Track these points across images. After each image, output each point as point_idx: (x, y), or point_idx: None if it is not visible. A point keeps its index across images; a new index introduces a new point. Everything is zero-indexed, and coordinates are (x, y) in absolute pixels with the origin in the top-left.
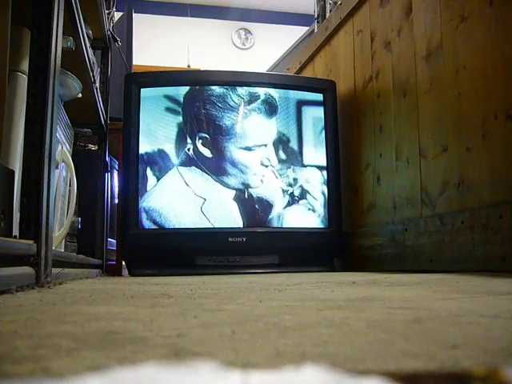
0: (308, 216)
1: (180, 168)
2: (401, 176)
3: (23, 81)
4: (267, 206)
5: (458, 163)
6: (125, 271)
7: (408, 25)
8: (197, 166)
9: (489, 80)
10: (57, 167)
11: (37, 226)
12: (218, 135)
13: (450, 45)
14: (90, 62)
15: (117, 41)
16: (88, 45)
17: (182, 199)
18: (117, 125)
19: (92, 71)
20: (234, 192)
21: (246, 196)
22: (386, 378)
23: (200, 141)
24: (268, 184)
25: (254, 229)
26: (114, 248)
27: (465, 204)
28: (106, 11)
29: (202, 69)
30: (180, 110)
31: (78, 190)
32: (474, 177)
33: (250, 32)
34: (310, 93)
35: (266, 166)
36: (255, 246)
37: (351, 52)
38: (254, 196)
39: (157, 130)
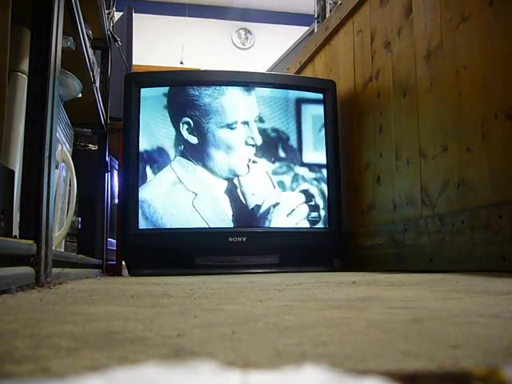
0: (306, 215)
1: (173, 164)
2: (401, 176)
3: (23, 81)
4: (260, 204)
5: (458, 163)
6: (125, 271)
7: (408, 25)
8: (187, 159)
9: (489, 80)
10: (57, 167)
11: (37, 226)
12: (199, 117)
13: (449, 45)
14: (90, 61)
15: (117, 41)
16: (88, 45)
17: (174, 195)
18: (117, 125)
19: (92, 71)
20: (224, 183)
21: (239, 192)
22: (385, 378)
23: (185, 127)
24: (258, 177)
25: (253, 229)
26: (114, 248)
27: (465, 204)
28: (106, 11)
29: (202, 69)
30: (177, 109)
31: (77, 189)
32: (474, 177)
33: (250, 32)
34: (310, 93)
35: (253, 146)
36: (255, 245)
37: (351, 52)
38: (246, 191)
39: (156, 130)
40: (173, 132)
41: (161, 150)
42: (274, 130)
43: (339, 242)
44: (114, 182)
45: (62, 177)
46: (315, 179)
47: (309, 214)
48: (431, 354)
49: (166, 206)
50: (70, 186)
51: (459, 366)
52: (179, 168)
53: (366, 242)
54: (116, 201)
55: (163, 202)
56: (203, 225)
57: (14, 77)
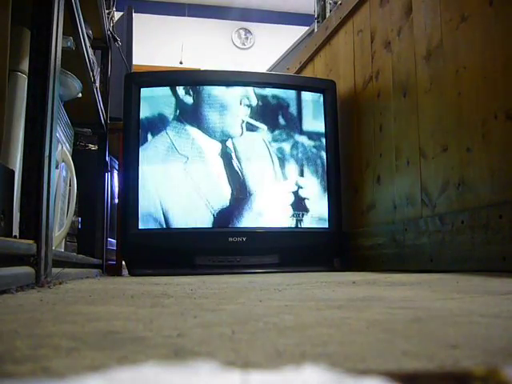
0: (303, 210)
1: (168, 129)
2: (401, 176)
3: (23, 81)
4: (255, 173)
5: (458, 163)
6: (125, 271)
7: (408, 25)
8: (181, 122)
9: (489, 80)
10: (57, 167)
11: (37, 226)
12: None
13: (450, 45)
14: (90, 61)
15: (117, 41)
16: (88, 45)
17: (166, 160)
18: (117, 125)
19: (92, 71)
20: (218, 145)
21: (234, 156)
22: (385, 378)
23: (183, 90)
24: (254, 143)
25: (253, 229)
26: (114, 248)
27: (465, 204)
28: (106, 11)
29: (202, 69)
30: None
31: (78, 190)
32: (474, 177)
33: (249, 32)
34: (310, 93)
35: (248, 106)
36: (255, 245)
37: (351, 52)
38: (241, 156)
39: (157, 101)
40: (172, 99)
41: (160, 116)
42: (274, 96)
43: (339, 241)
44: (114, 181)
45: (62, 177)
46: (315, 179)
47: (306, 210)
48: (431, 354)
49: (157, 169)
50: (69, 185)
51: (459, 365)
52: (173, 133)
53: (366, 241)
54: (116, 201)
55: (155, 166)
56: (195, 190)
57: (14, 77)
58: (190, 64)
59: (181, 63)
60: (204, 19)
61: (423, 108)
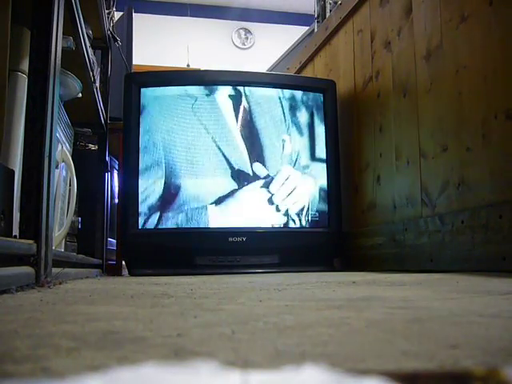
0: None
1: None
2: (401, 176)
3: (23, 81)
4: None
5: (458, 163)
6: (125, 271)
7: (408, 25)
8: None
9: (489, 80)
10: (57, 167)
11: (37, 226)
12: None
13: (449, 45)
14: (90, 61)
15: (117, 41)
16: (88, 45)
17: (175, 101)
18: (117, 125)
19: (92, 71)
20: (227, 88)
21: (244, 100)
22: (385, 378)
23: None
24: (266, 93)
25: (253, 229)
26: (114, 248)
27: (465, 204)
28: (106, 11)
29: (202, 68)
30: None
31: (78, 189)
32: (474, 177)
33: (249, 32)
34: (310, 92)
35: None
36: (255, 245)
37: (351, 52)
38: (251, 101)
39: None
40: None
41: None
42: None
43: (339, 241)
44: (114, 181)
45: (62, 177)
46: (314, 180)
47: (306, 210)
48: (431, 354)
49: (163, 115)
50: (69, 185)
51: (459, 365)
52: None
53: (366, 241)
54: (116, 201)
55: (161, 114)
56: (202, 131)
57: (14, 77)
58: (192, 65)
59: (188, 66)
60: (204, 19)
61: (423, 108)
